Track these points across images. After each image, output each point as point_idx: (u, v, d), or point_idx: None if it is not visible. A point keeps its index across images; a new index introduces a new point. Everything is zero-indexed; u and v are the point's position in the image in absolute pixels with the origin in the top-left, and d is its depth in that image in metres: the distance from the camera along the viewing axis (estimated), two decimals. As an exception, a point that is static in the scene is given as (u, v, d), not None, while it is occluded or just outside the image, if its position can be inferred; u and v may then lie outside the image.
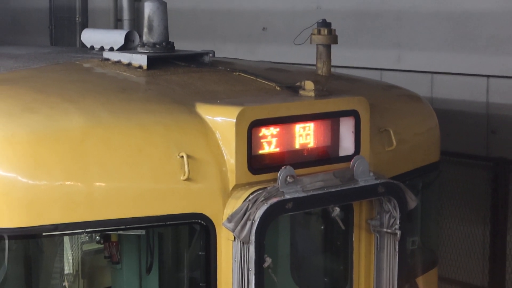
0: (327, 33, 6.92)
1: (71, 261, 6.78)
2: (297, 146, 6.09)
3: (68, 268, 6.73)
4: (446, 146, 8.06)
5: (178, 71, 6.91)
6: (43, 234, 5.70)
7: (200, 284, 5.95)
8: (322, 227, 6.81)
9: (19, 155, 5.63)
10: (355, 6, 12.80)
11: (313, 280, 7.03)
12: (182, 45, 7.45)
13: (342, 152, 6.30)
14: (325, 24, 6.99)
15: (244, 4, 14.62)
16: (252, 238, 5.65)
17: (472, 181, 10.69)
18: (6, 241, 5.76)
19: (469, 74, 11.53)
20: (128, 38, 7.24)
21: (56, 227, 5.66)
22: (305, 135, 6.12)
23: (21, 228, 5.61)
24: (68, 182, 5.63)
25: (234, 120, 5.76)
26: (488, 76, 11.36)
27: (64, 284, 6.69)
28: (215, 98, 6.17)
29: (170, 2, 7.32)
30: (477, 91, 11.47)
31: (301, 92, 6.35)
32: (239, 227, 5.66)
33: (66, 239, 6.42)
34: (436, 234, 8.19)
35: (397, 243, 6.39)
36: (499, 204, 10.17)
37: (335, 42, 7.03)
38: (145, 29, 7.05)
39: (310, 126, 6.12)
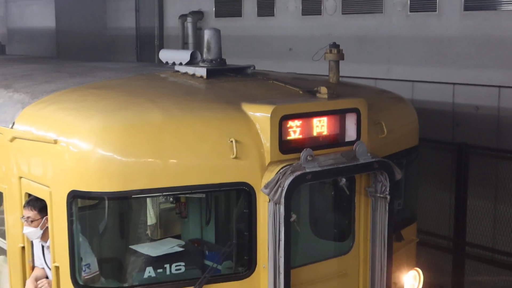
0: (337, 52, 6.93)
1: (152, 215, 6.81)
2: (314, 134, 6.22)
3: (149, 221, 6.79)
4: (423, 134, 8.03)
5: (229, 80, 7.01)
6: (132, 196, 5.91)
7: (245, 233, 6.05)
8: (332, 193, 6.87)
9: (114, 140, 5.81)
10: (356, 33, 12.73)
11: (325, 231, 7.10)
12: (231, 61, 7.48)
13: (347, 138, 6.40)
14: (335, 45, 6.98)
15: (275, 32, 14.56)
16: (282, 200, 5.83)
17: (442, 160, 10.61)
18: (106, 201, 5.90)
19: (440, 82, 11.49)
20: (192, 56, 7.26)
21: (141, 191, 5.85)
22: (320, 126, 6.25)
23: (116, 192, 5.79)
24: (150, 159, 5.81)
25: (269, 115, 5.94)
26: (454, 83, 11.29)
27: (147, 232, 6.69)
28: (255, 99, 6.28)
29: (223, 30, 7.40)
30: (446, 95, 11.40)
31: (318, 95, 6.54)
32: (272, 192, 5.85)
33: (148, 200, 6.47)
34: (415, 198, 8.19)
35: (387, 204, 6.45)
36: (461, 177, 10.07)
37: (342, 58, 7.03)
38: (205, 49, 7.13)
39: (324, 119, 6.25)
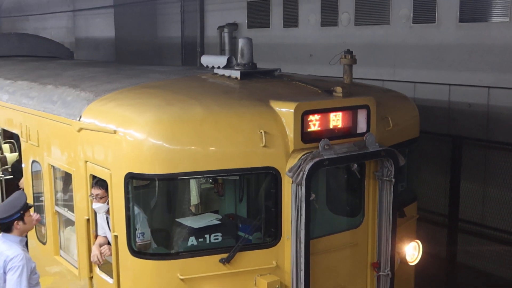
0: (350, 57, 6.86)
1: (194, 194, 6.82)
2: (331, 126, 6.21)
3: (192, 199, 6.78)
4: (423, 127, 7.96)
5: (259, 80, 7.00)
6: (178, 178, 5.95)
7: (272, 209, 6.06)
8: (346, 176, 6.83)
9: (163, 131, 5.84)
10: (367, 41, 12.66)
11: (339, 208, 7.07)
12: (261, 65, 7.47)
13: (359, 130, 6.37)
14: (348, 52, 6.88)
15: (298, 40, 14.53)
16: (303, 182, 5.85)
17: (439, 149, 10.51)
18: (156, 182, 5.96)
19: (438, 83, 11.39)
20: (228, 60, 7.24)
21: (185, 174, 5.89)
22: (336, 120, 6.25)
23: (165, 174, 5.83)
24: (193, 147, 5.84)
25: (293, 111, 5.96)
26: (450, 84, 11.19)
27: (190, 208, 6.72)
28: (281, 97, 6.28)
29: (254, 39, 7.37)
30: (443, 94, 11.33)
31: (334, 93, 6.53)
32: (295, 175, 5.89)
33: (192, 181, 6.46)
34: (416, 181, 8.12)
35: (392, 186, 6.44)
36: (455, 163, 10.00)
37: (355, 63, 6.94)
38: (239, 55, 7.13)
39: (339, 114, 6.24)
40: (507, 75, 10.49)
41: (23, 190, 8.32)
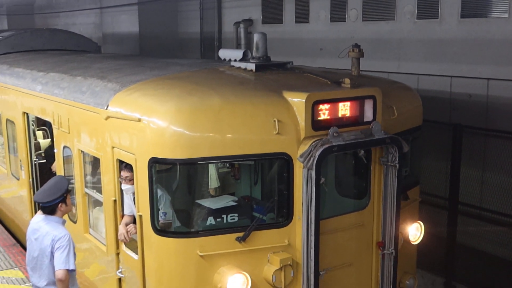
0: (358, 51, 6.82)
1: (211, 178, 6.83)
2: (339, 115, 6.19)
3: (211, 182, 6.80)
4: (426, 116, 7.91)
5: (272, 72, 6.96)
6: (198, 162, 5.97)
7: (284, 192, 6.07)
8: (353, 162, 6.81)
9: (184, 119, 5.85)
10: (373, 36, 12.57)
11: (347, 191, 7.06)
12: (274, 58, 7.43)
13: (366, 119, 6.34)
14: (356, 46, 6.83)
15: (309, 35, 14.46)
16: (314, 166, 5.87)
17: (440, 137, 10.43)
18: (178, 166, 5.98)
19: (440, 75, 11.29)
20: (244, 54, 7.21)
21: (204, 158, 5.92)
22: (344, 109, 6.24)
23: (185, 159, 5.85)
24: (211, 134, 5.84)
25: (304, 100, 5.95)
26: (451, 76, 11.09)
27: (208, 190, 6.74)
28: (293, 88, 6.24)
29: (268, 34, 7.35)
30: (444, 85, 11.25)
31: (342, 84, 6.48)
32: (306, 160, 5.91)
33: (210, 165, 6.46)
34: (419, 166, 8.07)
35: (396, 171, 6.43)
36: (456, 150, 9.93)
37: (362, 56, 6.90)
38: (254, 49, 7.10)
39: (347, 104, 6.24)
40: (506, 67, 10.42)
41: (55, 173, 8.42)
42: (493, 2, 10.60)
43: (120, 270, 6.72)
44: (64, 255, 5.71)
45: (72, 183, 7.82)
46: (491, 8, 10.64)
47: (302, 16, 14.82)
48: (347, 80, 6.38)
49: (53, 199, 5.86)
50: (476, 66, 10.82)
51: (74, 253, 5.86)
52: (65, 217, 7.86)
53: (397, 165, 6.35)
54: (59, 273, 5.65)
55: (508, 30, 10.36)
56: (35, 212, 9.60)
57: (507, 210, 9.98)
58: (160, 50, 19.53)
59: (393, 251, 6.57)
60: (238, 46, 16.60)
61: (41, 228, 5.86)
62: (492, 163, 10.40)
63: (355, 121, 6.23)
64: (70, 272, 5.76)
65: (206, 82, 6.66)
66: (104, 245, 7.10)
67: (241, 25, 16.50)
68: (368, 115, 6.28)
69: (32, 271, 5.94)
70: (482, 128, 10.37)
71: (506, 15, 10.40)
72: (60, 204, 5.91)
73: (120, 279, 6.74)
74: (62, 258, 5.69)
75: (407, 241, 7.11)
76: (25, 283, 8.74)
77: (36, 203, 7.72)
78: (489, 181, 10.43)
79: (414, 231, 7.23)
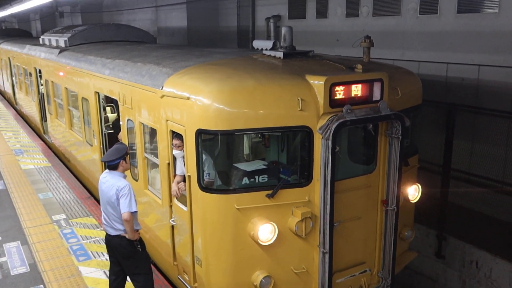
0: (368, 41, 6.70)
1: (246, 146, 6.85)
2: (352, 95, 6.08)
3: (245, 150, 6.82)
4: (425, 96, 7.77)
5: (297, 59, 6.83)
6: (235, 133, 5.91)
7: (305, 158, 6.05)
8: (363, 134, 6.71)
9: (224, 98, 5.79)
10: (382, 28, 12.35)
11: (357, 158, 6.99)
12: (299, 47, 7.36)
13: (374, 98, 6.25)
14: (367, 37, 6.71)
15: (328, 28, 14.27)
16: (330, 137, 5.86)
17: (437, 114, 10.26)
18: (219, 136, 5.98)
19: (438, 62, 11.08)
20: (274, 44, 7.13)
21: (240, 130, 5.87)
22: (357, 90, 6.12)
23: (225, 130, 5.82)
24: (246, 110, 5.78)
25: (323, 83, 5.86)
26: (447, 63, 10.87)
27: (244, 156, 6.76)
28: (314, 72, 6.15)
29: (294, 28, 7.29)
30: (441, 70, 11.05)
31: (355, 69, 6.36)
32: (324, 132, 5.91)
33: (245, 135, 6.47)
34: (418, 138, 7.97)
35: (399, 142, 6.32)
36: (450, 125, 9.74)
37: (372, 45, 6.76)
38: (282, 40, 7.02)
39: (359, 86, 6.12)
40: (494, 55, 10.21)
41: (121, 141, 8.55)
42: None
43: (172, 219, 6.82)
44: (128, 201, 5.81)
45: (134, 149, 7.90)
46: (483, 5, 10.38)
47: (321, 12, 14.64)
48: (359, 66, 6.28)
49: (116, 158, 5.98)
50: (468, 54, 10.62)
51: (135, 199, 6.02)
52: (129, 177, 8.08)
53: (400, 137, 6.26)
54: (125, 215, 5.79)
55: (497, 24, 10.12)
56: (105, 172, 9.86)
57: (492, 175, 9.86)
58: (204, 41, 19.51)
59: (395, 207, 6.53)
60: (268, 38, 16.43)
61: (107, 181, 6.00)
62: (480, 136, 10.26)
63: (365, 100, 6.13)
64: (133, 214, 5.90)
65: (242, 67, 6.60)
66: (160, 199, 7.18)
67: (271, 20, 16.32)
68: (376, 95, 6.18)
69: (105, 214, 6.13)
70: (473, 106, 10.18)
71: (496, 10, 10.13)
72: (121, 162, 6.03)
73: (172, 226, 6.85)
74: (126, 203, 5.80)
75: (406, 200, 7.08)
76: (97, 228, 8.98)
77: (104, 163, 7.89)
78: (477, 151, 10.29)
79: (413, 192, 7.17)
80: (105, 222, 6.09)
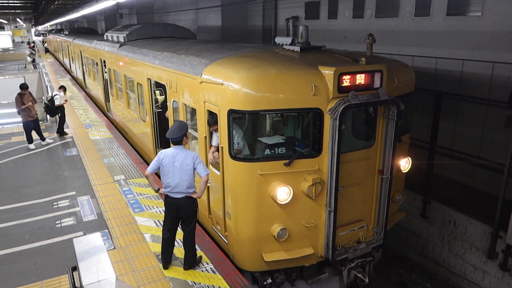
0: (371, 38, 6.44)
1: (268, 123, 6.78)
2: (357, 83, 5.93)
3: (267, 127, 6.75)
4: (417, 85, 7.53)
5: (311, 53, 6.68)
6: (260, 113, 5.86)
7: (317, 134, 5.96)
8: (365, 115, 6.53)
9: (251, 84, 5.71)
10: (383, 28, 11.97)
11: (359, 134, 6.79)
12: (313, 43, 7.16)
13: (375, 86, 6.09)
14: (370, 35, 6.50)
15: (337, 27, 13.93)
16: (338, 117, 5.77)
17: (427, 100, 10.04)
18: (246, 115, 5.89)
19: (429, 56, 10.80)
20: (292, 40, 6.98)
21: (264, 110, 5.78)
22: (360, 79, 5.95)
23: (251, 110, 5.76)
24: (269, 94, 5.70)
25: (333, 72, 5.73)
26: (436, 57, 10.55)
27: (266, 132, 6.70)
28: (326, 64, 6.02)
29: (309, 27, 7.12)
30: (431, 64, 10.71)
31: (360, 62, 6.16)
32: (332, 113, 5.82)
33: (267, 115, 6.37)
34: (410, 120, 7.72)
35: (394, 122, 6.16)
36: (437, 110, 9.55)
37: (375, 42, 6.57)
38: (299, 36, 6.87)
39: (363, 75, 5.95)
40: (476, 51, 9.90)
41: (167, 118, 8.56)
42: (470, 3, 9.99)
43: (209, 181, 6.89)
44: (202, 165, 5.73)
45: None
46: (469, 8, 10.04)
47: (332, 14, 14.34)
48: (363, 59, 6.10)
49: (180, 135, 5.79)
50: (455, 50, 10.33)
51: None
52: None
53: (395, 118, 6.11)
54: (206, 176, 5.67)
55: (480, 25, 9.81)
56: (155, 142, 9.94)
57: (470, 151, 9.70)
58: (235, 38, 19.30)
59: (389, 176, 6.41)
60: (288, 35, 16.20)
61: (178, 155, 5.77)
62: (461, 119, 10.08)
63: (367, 87, 5.96)
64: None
65: (266, 59, 6.47)
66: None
67: (290, 20, 16.06)
68: (377, 83, 6.00)
69: (176, 183, 5.79)
70: (457, 94, 9.94)
71: (479, 13, 9.78)
72: (184, 138, 5.87)
73: (208, 187, 6.87)
74: (204, 167, 5.72)
75: (399, 170, 6.93)
76: (149, 187, 9.02)
77: (166, 138, 7.55)
78: (458, 131, 10.11)
79: (404, 163, 7.04)
80: (172, 190, 5.80)
